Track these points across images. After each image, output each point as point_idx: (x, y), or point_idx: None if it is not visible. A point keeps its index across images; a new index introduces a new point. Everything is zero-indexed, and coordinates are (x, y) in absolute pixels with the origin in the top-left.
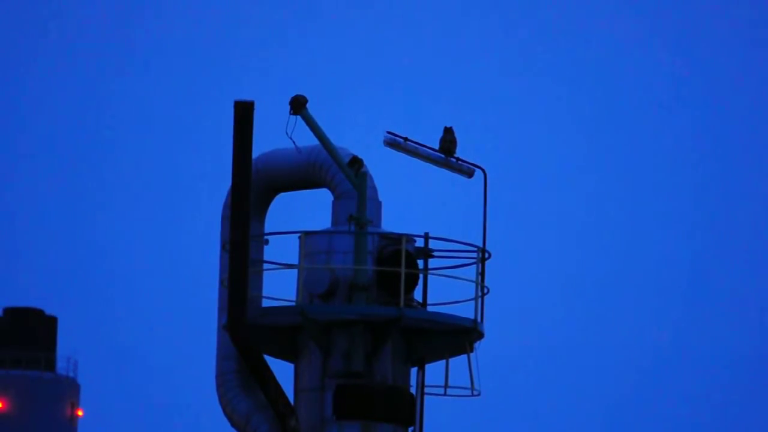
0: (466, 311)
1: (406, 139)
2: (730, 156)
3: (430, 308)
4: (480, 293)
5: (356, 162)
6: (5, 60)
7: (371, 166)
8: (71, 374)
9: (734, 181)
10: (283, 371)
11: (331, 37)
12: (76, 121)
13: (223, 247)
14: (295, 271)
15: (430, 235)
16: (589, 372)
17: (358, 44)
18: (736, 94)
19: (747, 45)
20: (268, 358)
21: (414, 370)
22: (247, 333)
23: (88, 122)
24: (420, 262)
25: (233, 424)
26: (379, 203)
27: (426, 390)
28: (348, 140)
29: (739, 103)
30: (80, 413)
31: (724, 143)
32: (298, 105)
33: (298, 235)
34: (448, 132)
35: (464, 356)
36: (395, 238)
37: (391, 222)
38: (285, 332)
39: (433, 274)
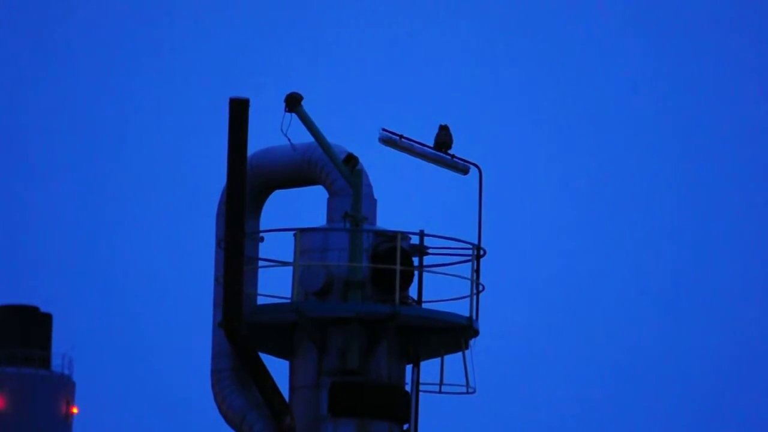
0: (461, 308)
1: (401, 136)
2: (725, 156)
3: (425, 305)
4: (475, 290)
5: (351, 159)
6: (7, 61)
7: (366, 163)
8: (66, 372)
9: (729, 182)
10: (278, 369)
11: (327, 34)
12: (69, 119)
13: (218, 244)
14: (291, 268)
15: (426, 232)
16: (584, 369)
17: (353, 41)
18: (730, 95)
19: (739, 44)
20: (264, 356)
21: (409, 368)
22: (243, 330)
23: (81, 119)
24: (415, 260)
25: (228, 422)
26: (375, 200)
27: (421, 387)
28: (343, 137)
29: (732, 105)
30: (75, 411)
31: (720, 143)
32: (293, 102)
33: (294, 232)
34: (444, 129)
35: (459, 353)
36: (390, 236)
37: (386, 219)
38: (280, 330)
39: (428, 271)
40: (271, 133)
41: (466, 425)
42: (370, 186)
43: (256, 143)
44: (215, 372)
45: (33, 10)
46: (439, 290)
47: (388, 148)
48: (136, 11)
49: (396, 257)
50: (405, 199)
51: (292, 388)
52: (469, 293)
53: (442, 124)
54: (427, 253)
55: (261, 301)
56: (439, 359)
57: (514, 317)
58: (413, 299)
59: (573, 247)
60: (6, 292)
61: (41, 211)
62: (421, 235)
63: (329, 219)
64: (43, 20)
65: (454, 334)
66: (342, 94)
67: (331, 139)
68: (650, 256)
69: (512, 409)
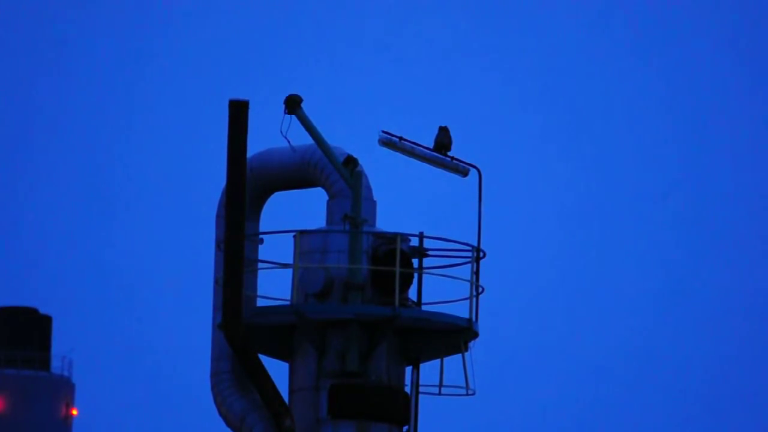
0: (460, 310)
1: (401, 138)
2: (726, 158)
3: (424, 307)
4: (475, 292)
5: (351, 161)
6: (8, 62)
7: (366, 165)
8: (66, 374)
9: (729, 183)
10: (278, 371)
11: (326, 36)
12: (69, 121)
13: (217, 246)
14: (290, 270)
15: (425, 234)
16: (584, 370)
17: (353, 43)
18: (731, 96)
19: (740, 45)
20: (263, 358)
21: (409, 370)
22: (242, 332)
23: (81, 121)
24: (415, 262)
25: (228, 424)
26: (374, 202)
27: (421, 389)
28: (343, 139)
29: (732, 106)
30: (75, 413)
31: (721, 144)
32: (292, 104)
33: (293, 234)
34: (444, 131)
35: (459, 355)
36: (390, 238)
37: (385, 221)
38: (280, 332)
39: (427, 273)
40: (270, 135)
41: (465, 427)
42: (369, 188)
43: (255, 145)
44: (215, 374)
45: (33, 11)
46: (438, 292)
47: (388, 150)
48: (136, 12)
49: (396, 259)
50: (404, 201)
51: (291, 390)
52: (468, 295)
53: (442, 125)
54: (427, 255)
55: (261, 303)
56: (438, 361)
57: (514, 319)
58: (413, 301)
59: (572, 249)
60: (5, 294)
61: (41, 213)
62: (421, 236)
63: (329, 221)
64: (43, 21)
65: (453, 336)
66: (342, 96)
67: (330, 141)
68: (649, 258)
69: (512, 410)
